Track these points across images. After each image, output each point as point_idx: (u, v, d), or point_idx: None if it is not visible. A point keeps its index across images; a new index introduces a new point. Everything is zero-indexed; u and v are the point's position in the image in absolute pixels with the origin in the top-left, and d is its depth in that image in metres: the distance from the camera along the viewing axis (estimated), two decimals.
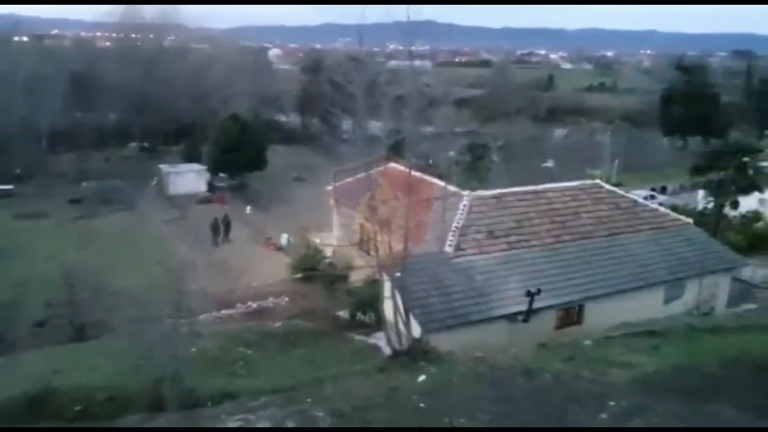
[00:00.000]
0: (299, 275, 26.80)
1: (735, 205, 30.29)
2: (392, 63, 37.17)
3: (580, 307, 19.59)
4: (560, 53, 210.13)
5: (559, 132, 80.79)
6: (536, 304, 17.90)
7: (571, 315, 19.61)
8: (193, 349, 13.27)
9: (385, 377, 9.64)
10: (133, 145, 63.19)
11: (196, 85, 62.12)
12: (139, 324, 11.73)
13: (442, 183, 18.86)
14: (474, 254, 19.49)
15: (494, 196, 22.21)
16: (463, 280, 18.25)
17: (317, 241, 31.44)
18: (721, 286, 22.67)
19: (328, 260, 27.30)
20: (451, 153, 38.07)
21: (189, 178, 48.27)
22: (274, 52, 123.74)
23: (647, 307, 19.92)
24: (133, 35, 72.59)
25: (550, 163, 53.50)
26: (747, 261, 25.67)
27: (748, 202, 31.13)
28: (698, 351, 9.14)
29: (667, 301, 21.18)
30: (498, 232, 20.59)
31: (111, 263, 25.78)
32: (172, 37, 76.27)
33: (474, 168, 39.33)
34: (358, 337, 20.16)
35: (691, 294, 21.57)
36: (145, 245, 31.45)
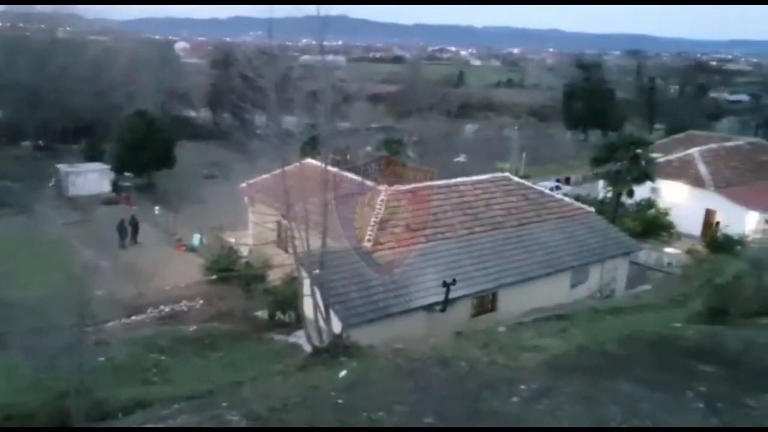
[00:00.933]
0: (214, 276, 25.97)
1: (631, 193, 32.57)
2: (305, 58, 36.79)
3: (494, 295, 20.39)
4: (470, 50, 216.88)
5: (470, 127, 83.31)
6: (452, 294, 18.44)
7: (485, 303, 20.37)
8: (101, 359, 12.53)
9: (305, 375, 9.56)
10: (27, 143, 58.39)
11: (96, 79, 58.19)
12: (38, 336, 10.91)
13: (359, 178, 18.93)
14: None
15: (410, 191, 22.60)
16: (381, 274, 18.46)
17: (232, 240, 30.60)
18: (621, 270, 24.39)
19: (244, 260, 26.65)
20: (368, 148, 38.30)
21: (91, 178, 45.25)
22: (181, 45, 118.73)
23: (556, 292, 21.09)
24: (21, 25, 66.94)
25: (462, 158, 55.10)
26: (642, 245, 27.78)
27: (641, 191, 33.60)
28: (600, 331, 9.78)
29: (574, 285, 22.50)
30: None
31: (5, 272, 23.76)
32: (68, 28, 71.09)
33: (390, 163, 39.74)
34: (278, 337, 19.87)
35: (594, 278, 23.03)
36: (44, 251, 29.18)
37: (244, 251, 27.75)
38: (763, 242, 27.75)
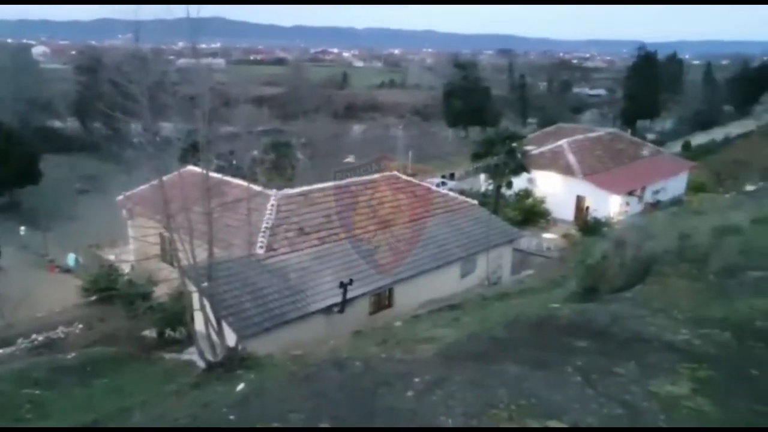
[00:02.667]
0: (94, 297, 24.11)
1: (510, 185, 34.56)
2: (182, 61, 35.12)
3: (390, 291, 20.76)
4: (352, 52, 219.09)
5: (357, 128, 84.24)
6: (350, 294, 18.52)
7: (382, 300, 20.68)
8: None
9: (200, 393, 9.14)
10: None
11: None
12: None
13: (246, 183, 18.41)
14: (286, 253, 19.45)
15: (301, 194, 22.39)
16: (276, 281, 18.10)
17: (112, 257, 28.57)
18: (505, 257, 25.83)
19: (126, 277, 24.95)
20: (255, 152, 37.38)
21: None
22: (39, 50, 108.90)
23: (448, 282, 21.93)
24: None
25: (351, 159, 55.52)
26: (523, 233, 29.59)
27: (519, 182, 35.77)
28: (488, 317, 10.31)
29: (464, 275, 23.48)
30: (308, 229, 20.82)
31: None
32: None
33: (279, 167, 39.15)
34: (169, 356, 18.81)
35: (482, 267, 24.18)
36: None
37: (126, 268, 26.00)
38: (623, 223, 30.61)
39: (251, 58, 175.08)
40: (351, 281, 18.57)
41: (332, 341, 13.19)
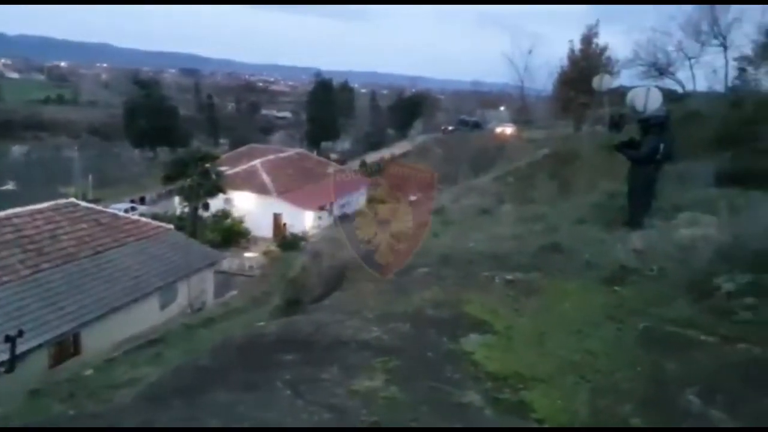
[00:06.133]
0: None
1: (206, 206, 33.88)
2: None
3: (76, 336, 18.12)
4: (3, 61, 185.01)
5: (17, 149, 71.56)
6: (21, 348, 15.49)
7: (66, 348, 17.90)
8: None
9: None
10: None
11: None
12: None
13: None
14: None
15: None
16: None
17: None
18: (208, 281, 25.13)
19: None
20: None
21: None
22: None
23: (146, 316, 20.21)
24: None
25: (11, 185, 46.91)
26: (224, 254, 29.30)
27: (216, 203, 35.34)
28: (194, 347, 9.84)
29: (164, 306, 21.99)
30: None
31: None
32: None
33: None
34: None
35: (183, 294, 23.03)
36: None
37: None
38: (318, 236, 33.00)
39: None
40: (21, 332, 15.55)
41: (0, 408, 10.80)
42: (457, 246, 9.60)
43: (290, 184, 40.99)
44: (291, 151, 49.66)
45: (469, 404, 4.63)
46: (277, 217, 38.81)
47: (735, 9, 40.22)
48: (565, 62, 40.33)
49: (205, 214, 34.53)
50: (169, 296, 22.36)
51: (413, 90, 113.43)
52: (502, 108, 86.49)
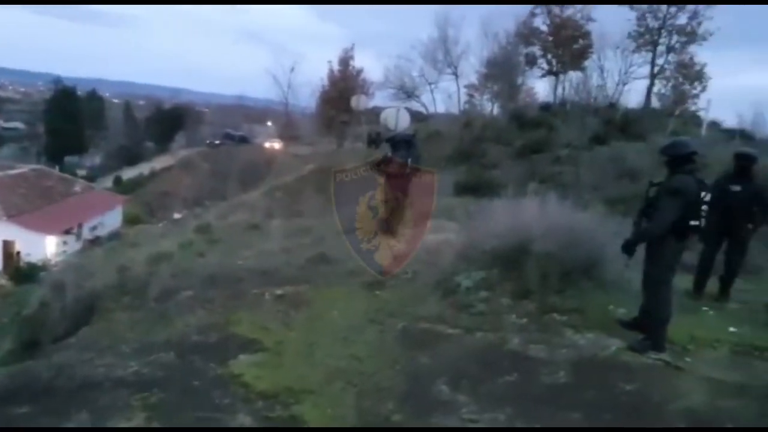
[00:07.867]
0: None
1: None
2: None
3: None
4: None
5: None
6: None
7: None
8: None
9: None
10: None
11: None
12: None
13: None
14: None
15: None
16: None
17: None
18: None
19: None
20: None
21: None
22: None
23: None
24: None
25: None
26: None
27: None
28: None
29: None
30: None
31: None
32: None
33: None
34: None
35: None
36: None
37: None
38: (62, 264, 28.90)
39: None
40: None
41: None
42: (224, 264, 9.29)
43: (25, 206, 35.17)
44: (25, 168, 42.66)
45: (240, 428, 4.49)
46: (8, 245, 32.93)
47: (463, 42, 47.01)
48: (326, 82, 42.35)
49: None
50: None
51: (174, 102, 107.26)
52: (269, 123, 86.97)
